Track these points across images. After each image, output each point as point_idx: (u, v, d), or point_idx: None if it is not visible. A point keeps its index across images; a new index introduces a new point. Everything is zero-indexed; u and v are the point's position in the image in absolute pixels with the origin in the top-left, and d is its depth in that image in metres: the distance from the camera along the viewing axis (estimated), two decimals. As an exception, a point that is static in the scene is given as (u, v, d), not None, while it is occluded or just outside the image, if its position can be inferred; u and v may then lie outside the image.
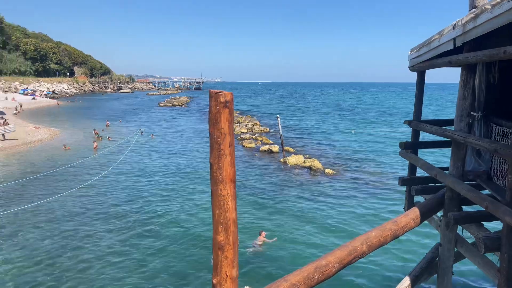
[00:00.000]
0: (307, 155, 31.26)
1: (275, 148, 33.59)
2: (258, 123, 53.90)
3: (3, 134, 36.40)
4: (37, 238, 14.84)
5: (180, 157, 31.21)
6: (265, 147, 34.11)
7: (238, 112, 70.78)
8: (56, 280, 11.86)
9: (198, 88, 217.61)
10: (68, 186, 21.81)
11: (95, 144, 34.05)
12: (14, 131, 38.20)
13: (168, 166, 27.92)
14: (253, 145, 36.03)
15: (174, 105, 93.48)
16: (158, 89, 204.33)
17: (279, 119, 32.08)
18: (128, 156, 30.33)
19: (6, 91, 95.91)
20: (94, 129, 42.72)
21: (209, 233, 15.57)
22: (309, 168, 27.14)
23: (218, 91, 3.38)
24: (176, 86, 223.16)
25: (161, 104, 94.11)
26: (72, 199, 19.55)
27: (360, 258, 4.98)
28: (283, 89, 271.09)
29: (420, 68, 7.92)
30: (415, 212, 6.04)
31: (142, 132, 42.94)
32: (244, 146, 35.83)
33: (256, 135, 42.82)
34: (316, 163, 27.50)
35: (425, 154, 27.98)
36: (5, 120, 45.24)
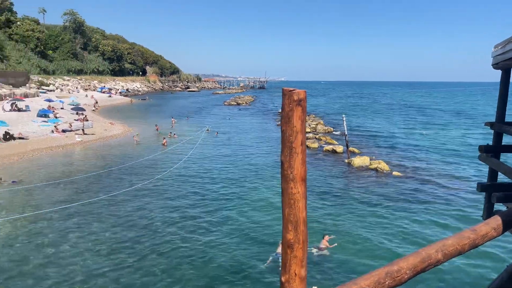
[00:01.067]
0: (373, 157, 30.26)
1: (339, 148, 32.93)
2: (321, 122, 53.17)
3: (82, 129, 39.44)
4: (105, 228, 15.89)
5: (244, 155, 31.72)
6: (329, 147, 33.57)
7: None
8: (120, 266, 12.63)
9: (262, 87, 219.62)
10: (139, 180, 23.11)
11: (164, 140, 35.71)
12: (92, 127, 41.20)
13: (232, 163, 28.50)
14: (316, 145, 35.63)
15: (238, 104, 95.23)
16: (223, 88, 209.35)
17: (344, 118, 31.38)
18: (195, 152, 31.43)
19: (86, 89, 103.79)
20: (156, 125, 44.93)
21: (271, 229, 15.66)
22: (375, 170, 26.26)
23: (291, 89, 3.38)
24: (241, 85, 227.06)
25: (226, 103, 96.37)
26: (142, 192, 20.67)
27: (435, 266, 4.71)
28: (347, 88, 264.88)
29: (505, 65, 7.31)
30: (496, 220, 5.58)
31: (208, 130, 44.27)
32: (307, 146, 35.56)
33: (319, 134, 42.29)
34: (383, 165, 26.54)
35: (509, 159, 25.85)
36: (85, 116, 49.06)
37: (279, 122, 50.63)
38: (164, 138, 36.09)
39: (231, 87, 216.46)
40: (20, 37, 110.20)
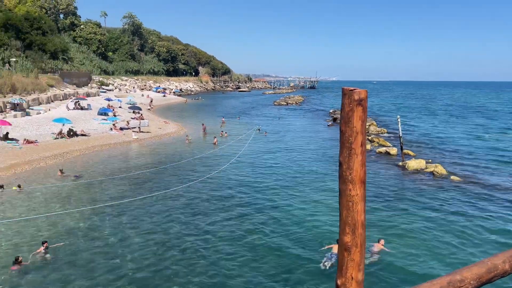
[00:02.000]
0: (429, 160, 28.96)
1: (393, 150, 31.86)
2: (374, 123, 51.69)
3: (139, 127, 41.19)
4: (156, 224, 16.46)
5: (294, 155, 31.60)
6: (382, 149, 32.58)
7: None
8: (168, 260, 13.03)
9: (312, 87, 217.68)
10: (191, 178, 23.75)
11: (215, 139, 36.43)
12: (148, 125, 42.91)
13: (282, 163, 28.49)
14: (369, 146, 34.70)
15: (288, 104, 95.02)
16: (273, 88, 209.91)
17: (399, 120, 30.30)
18: (245, 152, 31.78)
19: (142, 89, 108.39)
20: (203, 124, 45.93)
21: (323, 229, 15.46)
22: (432, 174, 25.12)
23: (352, 88, 3.31)
24: (291, 85, 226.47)
25: (276, 103, 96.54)
26: (193, 190, 21.22)
27: (501, 277, 4.41)
28: (402, 88, 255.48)
29: None
30: None
31: (259, 130, 44.59)
32: (359, 147, 34.70)
33: (372, 136, 41.16)
34: (440, 169, 25.33)
35: None
36: (141, 114, 51.21)
37: (330, 123, 49.95)
38: (215, 137, 36.81)
39: (281, 87, 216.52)
40: (83, 40, 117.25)
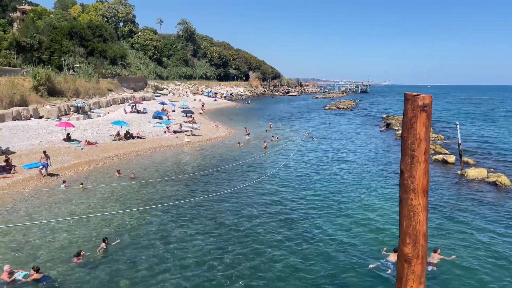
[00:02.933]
0: (491, 169, 27.24)
1: (451, 158, 30.30)
2: (431, 130, 49.49)
3: (191, 130, 42.31)
4: (205, 226, 16.75)
5: (345, 161, 30.99)
6: (439, 157, 31.09)
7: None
8: (223, 262, 13.19)
9: (364, 92, 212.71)
10: (241, 181, 24.00)
11: (265, 143, 36.56)
12: (199, 129, 43.95)
13: (332, 169, 28.02)
14: (424, 153, 33.22)
15: (339, 108, 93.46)
16: (323, 92, 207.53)
17: (458, 126, 28.80)
18: (294, 157, 31.63)
19: (194, 93, 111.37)
20: (245, 127, 46.13)
21: (375, 238, 15.00)
22: (494, 184, 23.59)
23: (415, 93, 3.20)
24: (342, 89, 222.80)
25: (326, 107, 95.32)
26: (243, 194, 21.40)
27: None
28: (459, 93, 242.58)
29: None
30: None
31: (307, 134, 44.23)
32: (413, 154, 33.34)
33: (428, 143, 39.37)
34: (503, 179, 23.73)
35: None
36: (193, 118, 52.57)
37: (383, 128, 48.46)
38: (265, 142, 36.94)
39: (331, 91, 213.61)
40: (140, 46, 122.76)
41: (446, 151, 34.22)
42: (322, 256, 13.83)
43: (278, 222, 17.12)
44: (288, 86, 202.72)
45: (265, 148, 35.78)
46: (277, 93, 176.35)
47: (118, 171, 24.46)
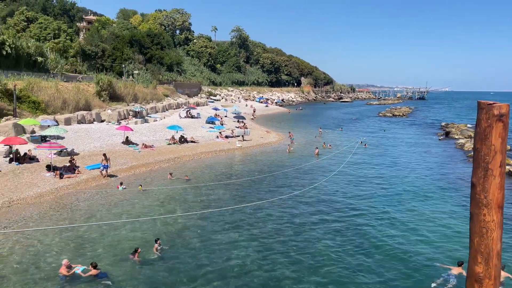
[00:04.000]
0: None
1: (519, 170, 28.17)
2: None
3: (242, 136, 42.81)
4: (256, 231, 16.76)
5: (400, 171, 29.87)
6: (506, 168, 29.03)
7: (465, 125, 62.72)
8: (273, 265, 13.12)
9: (421, 98, 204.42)
10: (292, 188, 23.87)
11: (317, 150, 36.14)
12: (250, 134, 44.31)
13: (387, 179, 27.10)
14: (488, 164, 31.19)
15: (394, 115, 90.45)
16: (378, 98, 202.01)
17: (527, 136, 26.76)
18: (347, 165, 30.98)
19: (246, 99, 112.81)
20: (290, 132, 45.65)
21: (434, 251, 14.26)
22: None
23: (490, 102, 2.99)
24: (398, 96, 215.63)
25: (380, 114, 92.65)
26: (294, 201, 21.24)
27: None
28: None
29: None
30: None
31: (361, 142, 43.17)
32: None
33: (492, 153, 36.96)
34: None
35: None
36: (244, 124, 53.22)
37: (442, 137, 46.11)
38: (317, 148, 36.52)
39: (386, 97, 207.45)
40: (195, 53, 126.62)
41: (513, 163, 31.88)
42: (375, 270, 13.36)
43: (330, 232, 16.79)
44: (340, 92, 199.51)
45: (316, 154, 35.37)
46: (329, 99, 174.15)
47: (170, 174, 25.27)
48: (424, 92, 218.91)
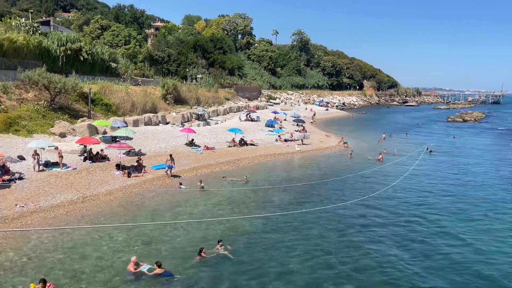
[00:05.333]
0: None
1: None
2: None
3: (302, 140, 42.56)
4: (322, 237, 16.52)
5: (471, 180, 28.05)
6: None
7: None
8: (335, 270, 12.88)
9: (496, 103, 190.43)
10: (353, 195, 23.30)
11: (380, 155, 34.98)
12: (309, 138, 43.91)
13: (456, 190, 25.56)
14: None
15: (465, 121, 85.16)
16: (446, 102, 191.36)
17: None
18: (413, 172, 29.70)
19: (306, 103, 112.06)
20: (342, 138, 44.45)
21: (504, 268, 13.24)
22: None
23: None
24: (468, 100, 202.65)
25: (449, 119, 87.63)
26: (355, 209, 20.72)
27: None
28: None
29: None
30: None
31: (427, 148, 41.08)
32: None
33: None
34: None
35: None
36: (304, 127, 52.87)
37: (521, 144, 42.10)
38: (380, 154, 35.31)
39: (456, 101, 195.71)
40: (256, 57, 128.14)
41: None
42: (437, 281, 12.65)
43: (394, 241, 16.18)
44: (405, 96, 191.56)
45: (380, 160, 34.24)
46: (393, 102, 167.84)
47: (225, 176, 25.86)
48: (499, 95, 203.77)
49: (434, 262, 14.30)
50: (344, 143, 42.61)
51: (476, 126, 74.42)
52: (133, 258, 13.01)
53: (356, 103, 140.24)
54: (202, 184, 23.20)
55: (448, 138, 53.70)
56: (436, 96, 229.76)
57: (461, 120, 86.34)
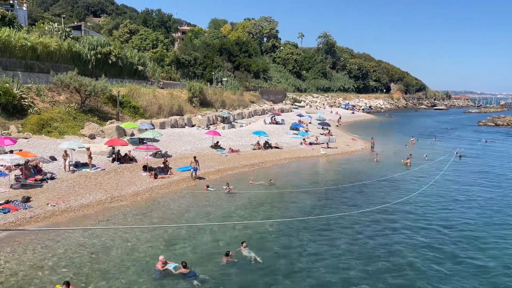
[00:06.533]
0: None
1: None
2: None
3: (327, 143, 42.17)
4: (341, 243, 16.28)
5: (504, 188, 27.05)
6: None
7: None
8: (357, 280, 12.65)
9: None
10: (379, 201, 22.86)
11: (408, 160, 34.25)
12: (335, 141, 43.40)
13: (490, 198, 24.67)
14: None
15: (497, 125, 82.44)
16: (477, 106, 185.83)
17: None
18: (442, 177, 28.94)
19: (331, 106, 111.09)
20: (372, 139, 43.75)
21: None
22: None
23: None
24: (501, 103, 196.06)
25: (481, 123, 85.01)
26: (382, 214, 20.31)
27: None
28: None
29: None
30: None
31: (457, 153, 39.91)
32: None
33: None
34: None
35: None
36: (329, 131, 52.40)
37: (558, 151, 40.30)
38: (408, 158, 34.54)
39: (487, 105, 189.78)
40: (281, 60, 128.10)
41: None
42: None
43: (423, 251, 15.71)
44: (434, 99, 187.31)
45: (407, 164, 33.52)
46: (421, 106, 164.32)
47: (251, 179, 25.86)
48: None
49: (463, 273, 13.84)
50: (371, 147, 41.93)
51: (509, 131, 71.85)
52: (161, 257, 13.23)
53: (383, 106, 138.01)
54: (231, 187, 23.18)
55: (479, 143, 52.07)
56: (467, 99, 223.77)
57: (493, 124, 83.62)
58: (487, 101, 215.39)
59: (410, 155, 35.91)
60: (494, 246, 16.25)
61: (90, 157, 24.93)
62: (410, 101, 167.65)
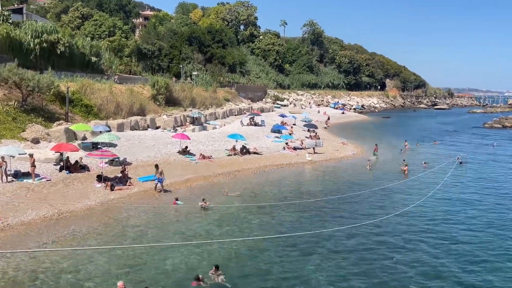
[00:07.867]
0: None
1: None
2: None
3: (313, 147, 42.50)
4: (330, 265, 16.42)
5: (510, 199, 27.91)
6: None
7: None
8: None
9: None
10: (372, 213, 23.19)
11: (406, 167, 34.86)
12: (322, 146, 43.75)
13: (496, 206, 25.41)
14: None
15: (505, 127, 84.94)
16: (483, 105, 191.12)
17: None
18: (444, 187, 29.56)
19: (318, 105, 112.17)
20: (376, 145, 44.58)
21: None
22: None
23: None
24: (509, 103, 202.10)
25: (487, 125, 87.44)
26: (378, 229, 20.60)
27: None
28: None
29: None
30: None
31: (458, 159, 40.86)
32: None
33: None
34: None
35: None
36: (316, 133, 52.83)
37: None
38: (406, 166, 35.15)
39: (494, 104, 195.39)
40: (261, 52, 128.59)
41: None
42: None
43: (424, 271, 16.05)
44: (435, 97, 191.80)
45: (405, 172, 34.11)
46: (421, 105, 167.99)
47: (225, 190, 25.85)
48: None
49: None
50: (374, 154, 42.34)
51: (519, 133, 74.22)
52: (120, 283, 12.98)
53: (377, 105, 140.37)
54: (207, 203, 22.97)
55: (485, 148, 53.50)
56: (471, 98, 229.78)
57: (500, 126, 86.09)
58: (493, 100, 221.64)
59: (404, 160, 36.59)
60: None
61: (33, 165, 24.34)
62: (408, 100, 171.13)
